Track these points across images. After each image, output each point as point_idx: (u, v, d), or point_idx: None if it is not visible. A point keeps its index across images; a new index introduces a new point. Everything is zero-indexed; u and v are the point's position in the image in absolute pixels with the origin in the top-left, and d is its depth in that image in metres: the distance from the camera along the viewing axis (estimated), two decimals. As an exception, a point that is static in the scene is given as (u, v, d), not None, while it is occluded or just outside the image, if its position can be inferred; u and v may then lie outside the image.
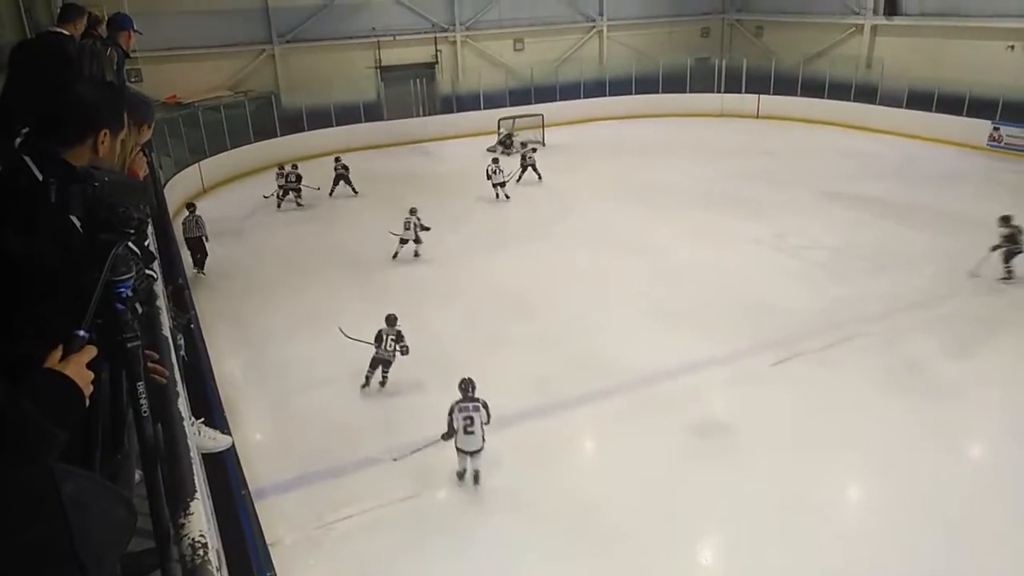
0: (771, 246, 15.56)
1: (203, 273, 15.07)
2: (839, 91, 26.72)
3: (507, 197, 19.11)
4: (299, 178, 19.64)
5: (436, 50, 28.30)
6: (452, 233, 16.98)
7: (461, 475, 8.66)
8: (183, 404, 2.72)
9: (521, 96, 27.91)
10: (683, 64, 29.47)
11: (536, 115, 25.60)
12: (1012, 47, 23.36)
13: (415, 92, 27.58)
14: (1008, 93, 22.24)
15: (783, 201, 18.41)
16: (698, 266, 14.60)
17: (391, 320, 10.58)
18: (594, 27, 30.98)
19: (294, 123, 24.86)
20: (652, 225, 16.95)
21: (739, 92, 28.89)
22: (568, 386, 10.48)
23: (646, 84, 29.37)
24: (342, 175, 20.38)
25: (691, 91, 29.39)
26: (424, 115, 27.48)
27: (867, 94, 26.16)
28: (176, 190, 19.11)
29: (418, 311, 12.98)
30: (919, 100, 24.36)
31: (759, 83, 28.46)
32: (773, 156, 22.79)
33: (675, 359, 11.06)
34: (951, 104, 23.40)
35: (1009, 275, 13.19)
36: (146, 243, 3.17)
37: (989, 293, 12.97)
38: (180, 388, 2.81)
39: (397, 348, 10.35)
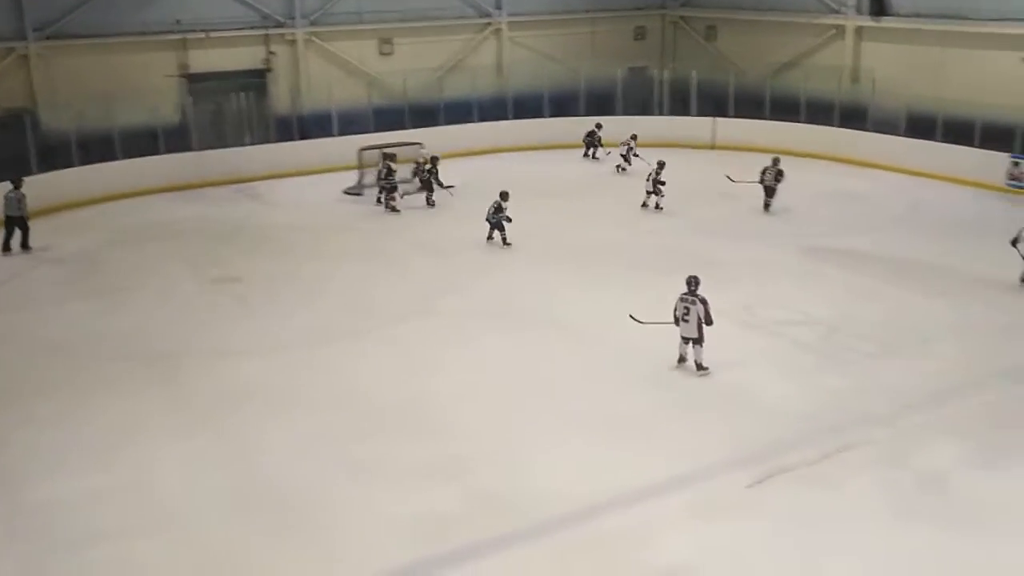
0: (740, 322, 16.13)
1: (29, 248, 20.76)
2: (819, 112, 28.53)
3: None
4: (389, 172, 23.57)
5: (268, 52, 28.57)
6: (298, 312, 16.89)
7: (681, 360, 14.20)
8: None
9: (391, 117, 28.44)
10: (612, 76, 30.71)
11: (413, 144, 25.97)
12: (1027, 59, 25.62)
13: (238, 111, 27.69)
14: (1025, 118, 24.30)
15: (752, 260, 19.26)
16: (645, 351, 14.90)
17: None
18: (490, 24, 32.01)
19: (58, 154, 24.45)
20: (580, 297, 17.31)
21: (688, 114, 30.29)
22: (471, 531, 10.41)
23: (565, 102, 30.46)
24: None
25: (624, 113, 30.60)
26: (251, 143, 27.55)
27: (855, 116, 28.07)
28: None
29: (244, 428, 12.77)
30: (921, 125, 26.33)
31: (714, 102, 29.98)
32: (736, 200, 23.83)
33: (619, 485, 11.20)
34: (960, 130, 25.35)
35: None
36: None
37: (1021, 381, 13.88)
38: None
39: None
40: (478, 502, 10.96)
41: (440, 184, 23.77)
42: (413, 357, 15.03)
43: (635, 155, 26.66)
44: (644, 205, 23.13)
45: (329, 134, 27.83)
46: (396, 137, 26.69)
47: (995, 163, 24.69)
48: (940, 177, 25.46)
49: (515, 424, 12.84)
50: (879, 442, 12.25)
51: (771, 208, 22.63)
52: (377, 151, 24.97)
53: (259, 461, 11.93)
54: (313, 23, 29.15)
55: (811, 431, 12.46)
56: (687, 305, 13.81)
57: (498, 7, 31.93)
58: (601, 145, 28.78)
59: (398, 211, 23.43)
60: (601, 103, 30.57)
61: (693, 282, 13.85)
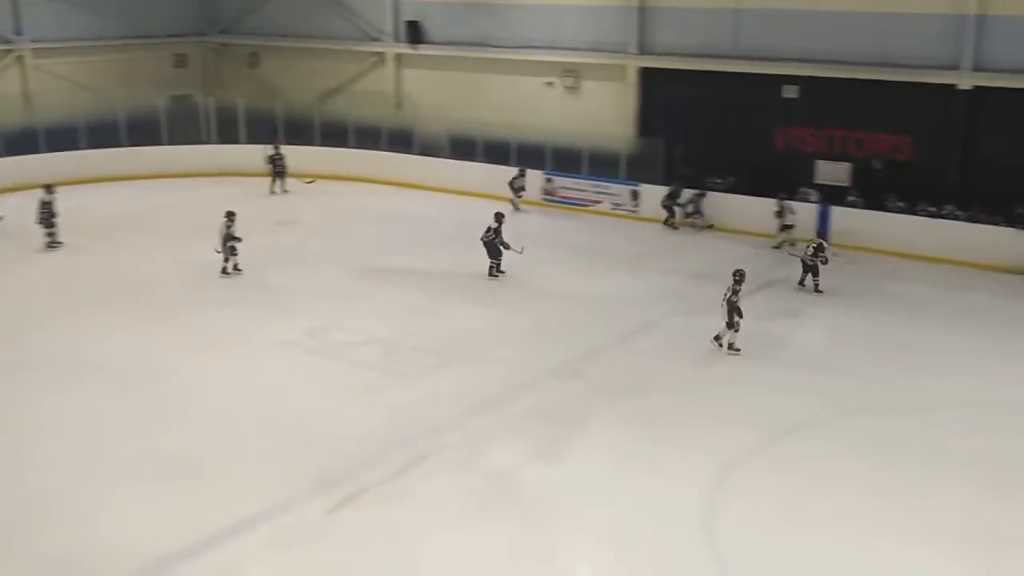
0: (307, 348, 16.30)
1: None
2: (368, 138, 29.47)
3: None
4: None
5: None
6: None
7: (716, 338, 16.23)
8: None
9: None
10: (154, 104, 29.68)
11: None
12: (551, 83, 28.28)
13: None
14: (555, 138, 26.80)
15: (315, 287, 19.45)
16: (212, 389, 14.66)
17: None
18: (11, 51, 29.87)
19: None
20: (137, 337, 16.65)
21: (237, 142, 29.95)
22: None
23: (103, 133, 28.80)
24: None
25: (171, 142, 29.64)
26: None
27: (402, 141, 29.30)
28: None
29: None
30: (463, 147, 28.09)
31: (264, 129, 29.87)
32: (294, 227, 23.95)
33: (194, 530, 10.82)
34: (499, 152, 27.38)
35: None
36: None
37: (568, 378, 15.25)
38: None
39: None
40: (39, 572, 10.07)
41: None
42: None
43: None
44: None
45: None
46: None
47: (531, 180, 26.86)
48: (483, 195, 27.14)
49: (70, 482, 11.97)
50: (449, 450, 12.83)
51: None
52: None
53: None
54: None
55: (384, 448, 12.77)
56: (725, 293, 15.92)
57: (18, 33, 29.69)
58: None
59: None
60: (145, 132, 29.25)
61: (736, 274, 16.03)
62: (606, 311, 18.33)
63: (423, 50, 30.52)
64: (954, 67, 22.40)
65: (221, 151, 29.84)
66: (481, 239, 20.06)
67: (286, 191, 27.60)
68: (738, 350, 16.05)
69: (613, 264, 21.50)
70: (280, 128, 29.79)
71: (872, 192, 23.32)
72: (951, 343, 16.97)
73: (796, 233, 22.48)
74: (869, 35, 23.26)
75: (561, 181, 26.59)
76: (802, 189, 23.88)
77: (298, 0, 32.60)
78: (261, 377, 15.15)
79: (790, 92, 24.74)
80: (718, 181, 24.77)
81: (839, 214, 22.92)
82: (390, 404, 14.21)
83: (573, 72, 27.98)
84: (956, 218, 22.00)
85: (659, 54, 26.51)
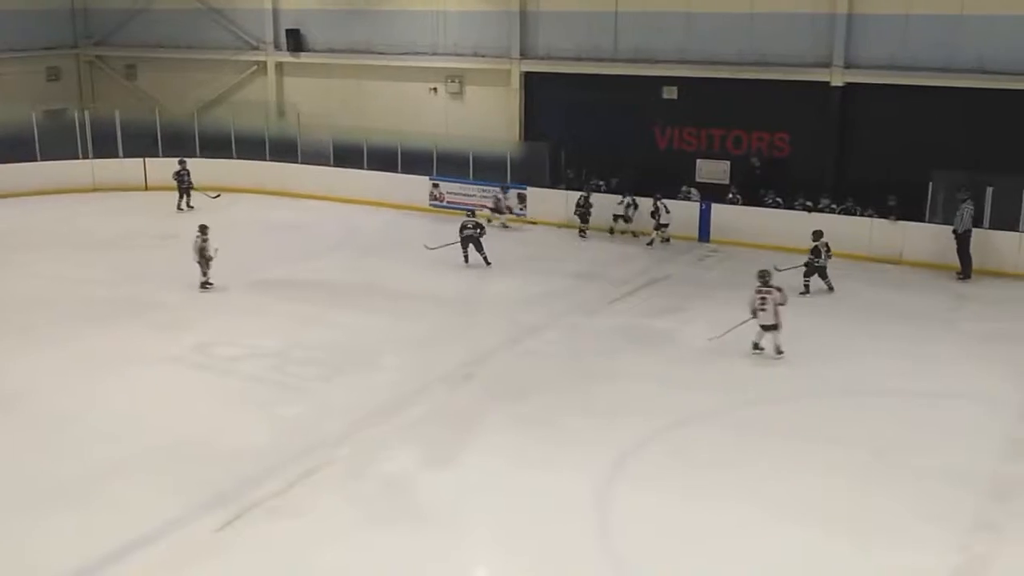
0: (193, 363, 15.97)
1: None
2: (250, 147, 29.04)
3: None
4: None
5: None
6: None
7: (756, 347, 15.80)
8: None
9: None
10: (27, 120, 28.72)
11: None
12: (435, 89, 28.33)
13: None
14: (441, 144, 26.85)
15: (201, 301, 19.16)
16: (97, 409, 14.26)
17: None
18: None
19: None
20: (20, 358, 16.09)
21: (116, 156, 29.21)
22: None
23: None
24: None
25: (44, 158, 28.72)
26: None
27: (286, 150, 28.94)
28: None
29: None
30: (349, 156, 27.92)
31: (143, 142, 29.20)
32: (176, 240, 23.40)
33: (81, 554, 10.47)
34: (384, 159, 27.28)
35: (807, 289, 19.33)
36: None
37: (460, 383, 15.27)
38: None
39: None
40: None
41: None
42: None
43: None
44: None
45: None
46: None
47: (418, 186, 26.87)
48: (370, 203, 27.10)
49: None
50: (341, 460, 12.70)
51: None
52: None
53: None
54: None
55: (274, 463, 12.52)
56: (763, 296, 15.43)
57: None
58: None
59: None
60: (17, 148, 28.20)
61: (766, 275, 15.63)
62: (496, 313, 18.43)
63: (304, 58, 30.28)
64: (826, 65, 23.21)
65: (98, 166, 29.05)
66: (466, 236, 21.16)
67: (191, 207, 26.75)
68: (782, 352, 15.81)
69: (501, 267, 21.58)
70: (159, 141, 29.14)
71: (750, 189, 23.95)
72: (829, 331, 17.48)
73: (670, 231, 23.10)
74: (744, 36, 23.97)
75: (448, 186, 26.61)
76: (684, 188, 24.39)
77: (175, 11, 31.99)
78: (147, 395, 14.74)
79: (670, 93, 25.29)
80: (600, 183, 25.10)
81: (719, 211, 23.52)
82: (280, 417, 13.98)
83: (457, 77, 28.08)
84: (831, 211, 22.67)
85: (541, 58, 26.80)
